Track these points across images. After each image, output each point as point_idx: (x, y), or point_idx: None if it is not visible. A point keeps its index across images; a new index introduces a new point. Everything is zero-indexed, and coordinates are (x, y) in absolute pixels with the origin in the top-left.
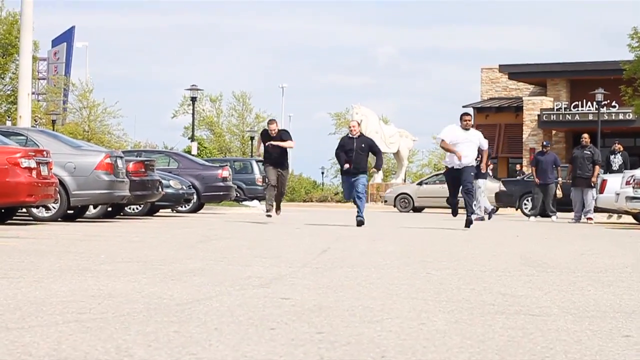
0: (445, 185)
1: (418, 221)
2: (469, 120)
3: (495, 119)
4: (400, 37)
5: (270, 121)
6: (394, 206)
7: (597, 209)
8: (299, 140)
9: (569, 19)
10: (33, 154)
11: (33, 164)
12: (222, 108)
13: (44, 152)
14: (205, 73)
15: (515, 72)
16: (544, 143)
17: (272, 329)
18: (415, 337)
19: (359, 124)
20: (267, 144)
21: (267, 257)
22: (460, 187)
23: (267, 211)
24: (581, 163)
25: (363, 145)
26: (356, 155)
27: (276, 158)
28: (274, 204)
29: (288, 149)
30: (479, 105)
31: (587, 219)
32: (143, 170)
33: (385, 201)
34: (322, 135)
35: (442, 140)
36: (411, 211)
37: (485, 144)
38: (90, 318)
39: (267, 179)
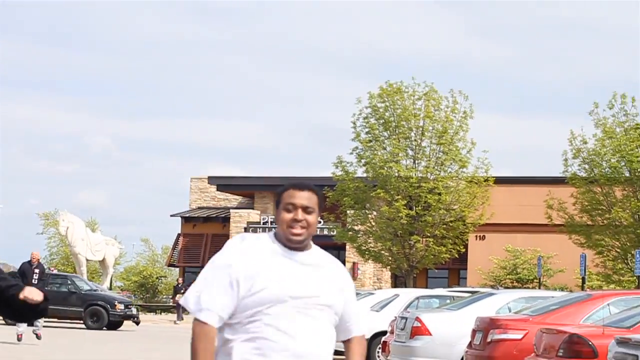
0: None
1: None
2: (303, 227)
3: (203, 228)
4: (113, 127)
5: None
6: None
7: None
8: (11, 231)
9: (285, 117)
10: None
11: None
12: None
13: None
14: None
15: (224, 185)
16: None
17: None
18: None
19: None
20: None
21: None
22: None
23: None
24: None
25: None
26: None
27: None
28: None
29: None
30: (187, 215)
31: None
32: None
33: None
34: (35, 226)
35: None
36: None
37: (362, 326)
38: None
39: None
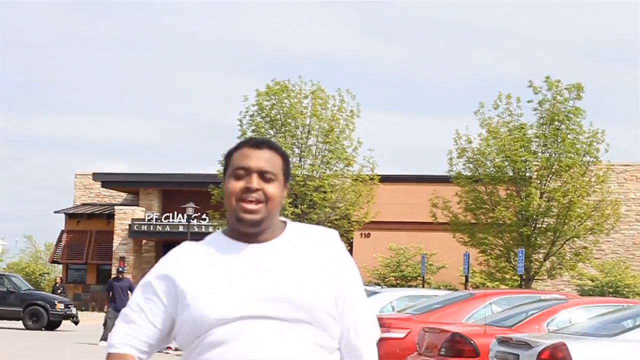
0: None
1: None
2: (259, 201)
3: (87, 225)
4: None
5: None
6: None
7: None
8: None
9: (172, 114)
10: None
11: None
12: None
13: None
14: None
15: (108, 181)
16: (119, 269)
17: None
18: None
19: None
20: None
21: None
22: None
23: None
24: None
25: None
26: None
27: None
28: None
29: None
30: (72, 211)
31: (167, 347)
32: None
33: None
34: None
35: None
36: None
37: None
38: None
39: None
